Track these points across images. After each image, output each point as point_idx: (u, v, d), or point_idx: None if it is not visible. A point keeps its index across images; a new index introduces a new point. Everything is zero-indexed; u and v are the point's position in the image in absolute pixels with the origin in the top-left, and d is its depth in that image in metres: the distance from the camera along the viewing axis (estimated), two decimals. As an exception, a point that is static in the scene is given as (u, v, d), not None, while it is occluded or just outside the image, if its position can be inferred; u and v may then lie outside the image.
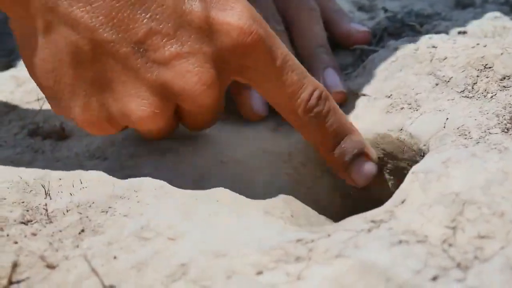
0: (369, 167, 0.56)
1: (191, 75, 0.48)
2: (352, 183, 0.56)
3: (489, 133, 0.51)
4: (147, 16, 0.48)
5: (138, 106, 0.49)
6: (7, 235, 0.47)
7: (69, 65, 0.49)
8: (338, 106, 0.55)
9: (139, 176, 0.53)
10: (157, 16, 0.48)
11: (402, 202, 0.46)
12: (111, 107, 0.50)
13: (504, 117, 0.52)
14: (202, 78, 0.49)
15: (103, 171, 0.54)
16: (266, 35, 0.50)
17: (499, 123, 0.52)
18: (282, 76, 0.51)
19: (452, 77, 0.58)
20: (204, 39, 0.49)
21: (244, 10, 0.50)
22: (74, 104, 0.50)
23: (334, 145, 0.55)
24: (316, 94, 0.53)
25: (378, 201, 0.59)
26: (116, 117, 0.50)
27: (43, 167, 0.55)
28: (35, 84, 0.52)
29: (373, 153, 0.57)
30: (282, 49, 0.52)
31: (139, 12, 0.48)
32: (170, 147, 0.56)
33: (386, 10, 0.76)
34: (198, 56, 0.49)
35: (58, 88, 0.50)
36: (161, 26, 0.48)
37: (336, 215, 0.57)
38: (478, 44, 0.60)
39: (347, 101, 0.63)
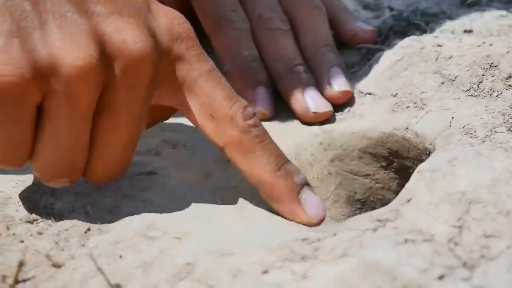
0: (321, 201, 0.50)
1: (132, 31, 0.45)
2: (301, 216, 0.49)
3: (495, 131, 0.51)
4: None
5: (73, 47, 0.43)
6: (13, 234, 0.47)
7: None
8: None
9: (145, 175, 0.53)
10: None
11: (408, 201, 0.46)
12: (39, 50, 0.43)
13: (510, 115, 0.52)
14: (142, 36, 0.45)
15: (109, 170, 0.54)
16: (197, 38, 0.49)
17: (504, 122, 0.52)
18: (216, 78, 0.48)
19: (457, 76, 0.58)
20: (142, 13, 0.46)
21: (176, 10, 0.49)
22: None
23: (278, 164, 0.49)
24: (250, 108, 0.49)
25: (384, 200, 0.59)
26: (43, 64, 0.42)
27: (49, 166, 0.55)
28: None
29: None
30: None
31: None
32: (177, 146, 0.56)
33: (391, 9, 0.76)
34: (138, 20, 0.45)
35: None
36: None
37: (342, 214, 0.57)
38: (483, 43, 0.60)
39: (353, 100, 0.63)
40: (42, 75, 0.43)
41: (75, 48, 0.43)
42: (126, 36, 0.44)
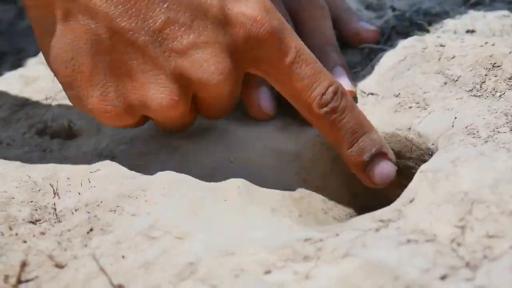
0: (390, 168, 0.55)
1: (208, 64, 0.50)
2: (371, 185, 0.55)
3: (498, 132, 0.51)
4: (165, 6, 0.49)
5: (157, 93, 0.50)
6: (16, 234, 0.47)
7: (87, 54, 0.50)
8: (355, 104, 0.55)
9: (147, 175, 0.53)
10: (174, 6, 0.49)
11: (411, 201, 0.46)
12: (129, 96, 0.50)
13: (512, 116, 0.52)
14: (219, 68, 0.50)
15: (112, 170, 0.54)
16: (279, 27, 0.52)
17: (507, 122, 0.52)
18: (296, 69, 0.52)
19: (460, 76, 0.58)
20: (220, 30, 0.50)
21: (258, 2, 0.51)
22: (92, 94, 0.51)
23: (351, 142, 0.54)
24: (331, 89, 0.53)
25: (386, 200, 0.59)
26: (134, 107, 0.51)
27: (52, 166, 0.55)
28: (44, 83, 0.52)
29: (392, 153, 0.56)
30: (296, 41, 0.53)
31: (156, 2, 0.49)
32: (179, 146, 0.56)
33: (394, 9, 0.76)
34: (215, 46, 0.50)
35: (76, 77, 0.50)
36: (178, 16, 0.49)
37: (345, 214, 0.57)
38: (486, 43, 0.60)
39: (355, 100, 0.63)
40: (135, 111, 0.51)
41: (159, 95, 0.50)
42: (202, 73, 0.50)
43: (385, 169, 0.55)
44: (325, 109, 0.53)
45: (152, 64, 0.50)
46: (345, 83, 0.63)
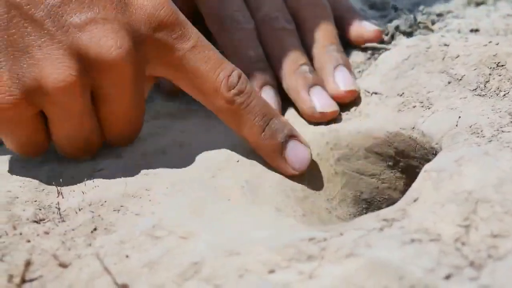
0: (305, 151, 0.55)
1: (106, 39, 0.49)
2: (290, 171, 0.55)
3: (502, 131, 0.51)
4: None
5: (54, 69, 0.48)
6: (20, 234, 0.48)
7: None
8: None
9: (151, 175, 0.53)
10: None
11: (415, 200, 0.46)
12: (25, 75, 0.49)
13: (517, 115, 0.52)
14: (117, 42, 0.49)
15: (116, 169, 0.54)
16: (179, 13, 0.52)
17: (511, 121, 0.52)
18: (199, 53, 0.52)
19: (464, 75, 0.58)
20: (120, 9, 0.50)
21: None
22: None
23: (263, 126, 0.54)
24: (235, 73, 0.53)
25: (390, 199, 0.59)
26: (30, 88, 0.49)
27: (56, 166, 0.55)
28: None
29: (303, 137, 0.56)
30: (196, 29, 0.53)
31: None
32: (183, 146, 0.56)
33: (397, 8, 0.76)
34: (114, 23, 0.49)
35: None
36: None
37: (348, 214, 0.57)
38: (490, 42, 0.60)
39: (359, 99, 0.63)
40: (32, 95, 0.49)
41: (55, 70, 0.48)
42: (100, 47, 0.49)
43: (300, 151, 0.55)
44: (233, 91, 0.53)
45: (50, 39, 0.48)
46: (348, 82, 0.63)
